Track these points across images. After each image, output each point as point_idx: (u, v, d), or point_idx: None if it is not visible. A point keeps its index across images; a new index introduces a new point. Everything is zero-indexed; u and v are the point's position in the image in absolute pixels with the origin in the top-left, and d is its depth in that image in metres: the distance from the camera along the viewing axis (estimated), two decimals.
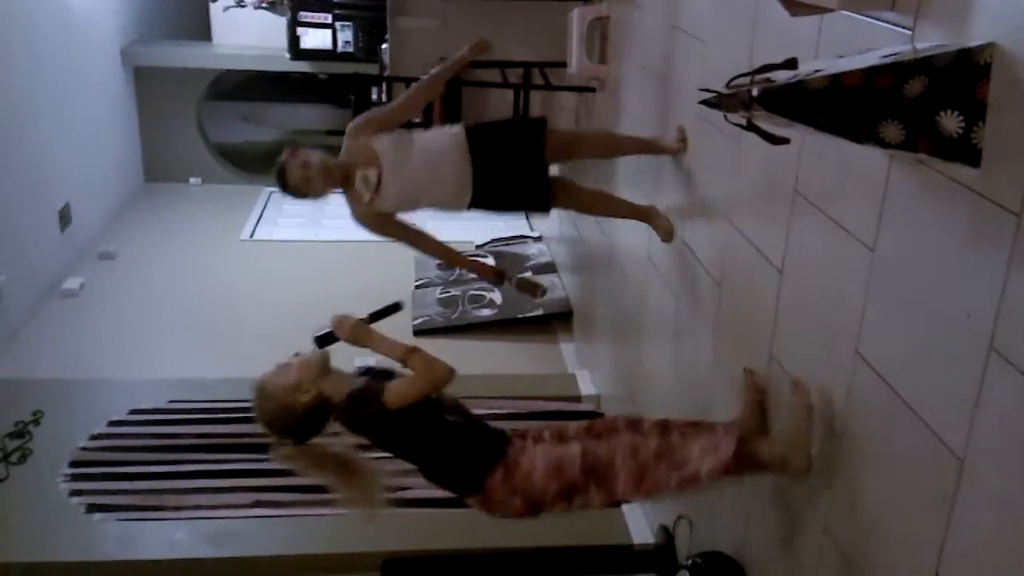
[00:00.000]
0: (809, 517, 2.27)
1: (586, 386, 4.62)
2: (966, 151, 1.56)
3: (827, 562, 2.19)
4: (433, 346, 5.19)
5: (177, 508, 3.72)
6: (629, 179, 3.90)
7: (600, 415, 4.37)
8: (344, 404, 2.25)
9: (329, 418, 2.27)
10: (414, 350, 2.28)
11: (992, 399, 1.60)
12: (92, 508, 3.70)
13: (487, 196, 3.24)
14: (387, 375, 2.34)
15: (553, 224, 5.97)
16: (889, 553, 1.93)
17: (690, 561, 2.79)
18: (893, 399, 1.89)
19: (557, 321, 5.35)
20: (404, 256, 6.19)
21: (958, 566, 1.70)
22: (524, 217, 7.15)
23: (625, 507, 3.63)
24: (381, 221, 3.25)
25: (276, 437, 2.28)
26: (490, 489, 2.23)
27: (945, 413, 1.73)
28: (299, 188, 3.13)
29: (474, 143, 3.18)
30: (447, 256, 3.48)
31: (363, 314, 2.40)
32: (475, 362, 4.89)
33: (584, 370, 4.78)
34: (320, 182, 3.13)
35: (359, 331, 2.32)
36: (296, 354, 2.31)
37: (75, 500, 3.74)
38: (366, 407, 2.23)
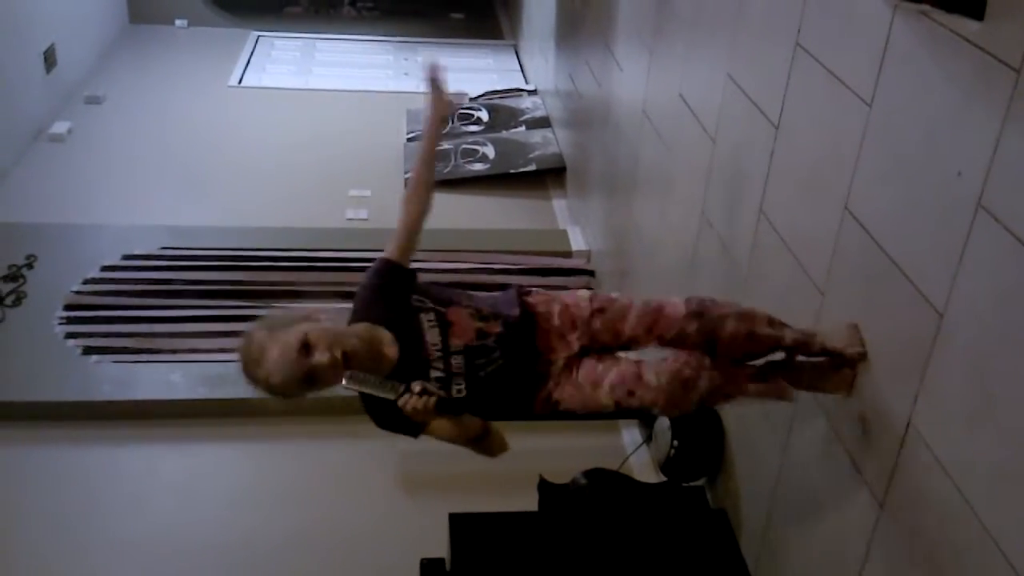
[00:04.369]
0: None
1: (577, 242, 4.65)
2: (970, 3, 1.52)
3: (802, 414, 2.27)
4: None
5: (172, 351, 3.79)
6: (631, 25, 3.82)
7: (591, 272, 4.42)
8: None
9: None
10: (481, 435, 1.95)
11: (976, 256, 1.62)
12: (89, 350, 3.77)
13: None
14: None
15: (549, 77, 5.86)
16: (864, 403, 2.00)
17: None
18: (878, 255, 1.91)
19: (550, 176, 5.32)
20: (395, 107, 6.11)
21: (930, 417, 1.76)
22: (520, 71, 7.02)
23: None
24: None
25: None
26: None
27: (929, 269, 1.75)
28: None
29: None
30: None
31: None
32: (467, 216, 4.90)
33: (576, 226, 4.80)
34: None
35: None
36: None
37: (71, 343, 3.81)
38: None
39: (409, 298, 1.97)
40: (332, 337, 1.80)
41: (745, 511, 2.66)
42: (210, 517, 3.18)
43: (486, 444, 1.98)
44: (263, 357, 1.80)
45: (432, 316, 1.94)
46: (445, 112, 2.13)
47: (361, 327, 1.91)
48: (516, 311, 2.00)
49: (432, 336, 1.91)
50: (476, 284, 4.16)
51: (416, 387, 1.78)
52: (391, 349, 1.90)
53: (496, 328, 1.96)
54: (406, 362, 1.90)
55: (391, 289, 1.98)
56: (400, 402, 1.77)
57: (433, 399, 1.77)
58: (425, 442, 2.09)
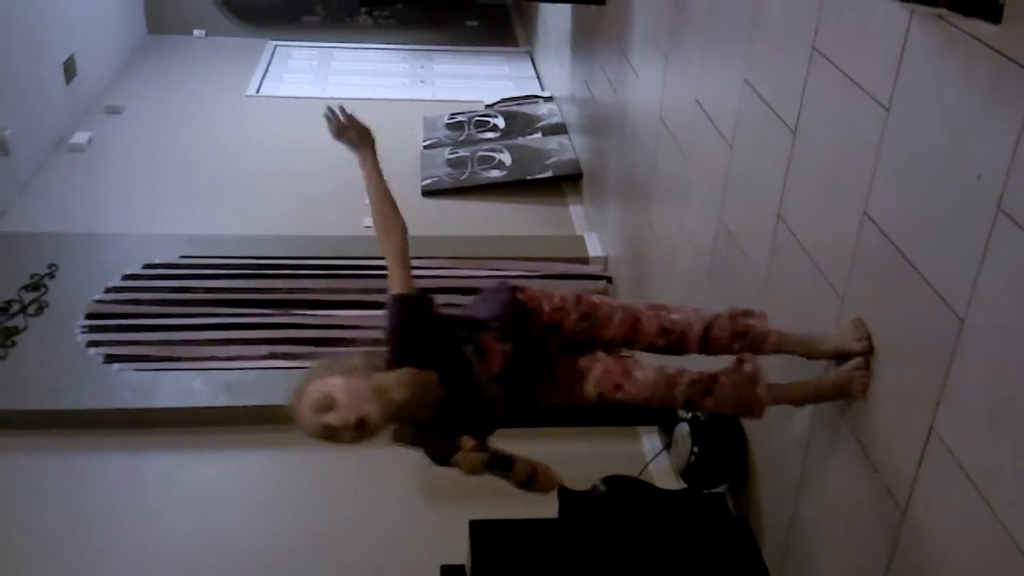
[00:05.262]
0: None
1: (594, 248, 4.65)
2: (987, 6, 1.52)
3: (823, 422, 2.26)
4: (442, 207, 5.24)
5: (193, 359, 3.81)
6: (646, 32, 3.82)
7: (608, 278, 4.42)
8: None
9: None
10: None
11: (996, 259, 1.61)
12: (110, 359, 3.80)
13: None
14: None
15: (564, 83, 5.87)
16: (885, 409, 1.99)
17: (690, 414, 2.87)
18: (898, 259, 1.90)
19: (567, 183, 5.33)
20: (412, 116, 6.13)
21: (952, 422, 1.76)
22: (536, 78, 7.04)
23: None
24: None
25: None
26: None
27: (949, 273, 1.74)
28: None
29: None
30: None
31: None
32: (484, 223, 4.91)
33: (593, 232, 4.80)
34: None
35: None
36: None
37: (93, 351, 3.84)
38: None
39: (446, 330, 1.96)
40: (358, 398, 1.74)
41: (767, 518, 2.65)
42: (230, 524, 3.19)
43: (535, 484, 1.99)
44: (299, 404, 1.78)
45: (472, 347, 1.96)
46: (367, 138, 2.18)
47: (401, 374, 1.84)
48: (505, 313, 2.06)
49: (479, 367, 1.94)
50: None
51: (468, 443, 1.81)
52: (438, 390, 1.87)
53: (509, 347, 2.02)
54: (456, 400, 1.88)
55: (421, 326, 1.93)
56: (453, 460, 1.81)
57: (487, 456, 1.82)
58: None
